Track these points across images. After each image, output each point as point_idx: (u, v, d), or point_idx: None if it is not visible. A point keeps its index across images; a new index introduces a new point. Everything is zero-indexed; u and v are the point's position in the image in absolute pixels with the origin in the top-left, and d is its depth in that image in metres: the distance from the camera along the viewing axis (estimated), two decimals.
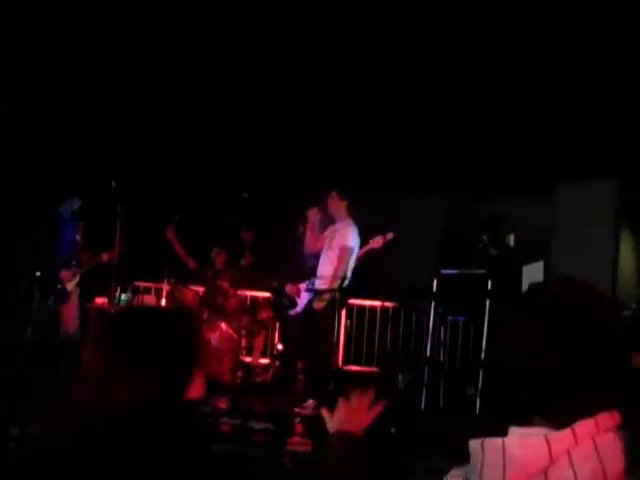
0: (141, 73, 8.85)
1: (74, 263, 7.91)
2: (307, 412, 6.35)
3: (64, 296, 7.84)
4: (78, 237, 8.15)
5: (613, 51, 7.44)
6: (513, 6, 7.44)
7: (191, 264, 8.56)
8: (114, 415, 1.36)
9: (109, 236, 8.07)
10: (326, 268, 6.85)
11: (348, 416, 1.96)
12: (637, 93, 7.44)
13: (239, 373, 8.04)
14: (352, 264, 6.85)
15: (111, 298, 8.40)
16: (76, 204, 8.10)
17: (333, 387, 6.36)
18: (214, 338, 7.80)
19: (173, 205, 8.85)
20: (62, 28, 8.08)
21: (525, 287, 6.96)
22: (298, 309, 7.41)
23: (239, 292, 8.76)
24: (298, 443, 5.02)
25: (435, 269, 7.82)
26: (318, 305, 6.79)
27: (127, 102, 9.02)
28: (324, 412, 2.02)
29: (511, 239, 7.53)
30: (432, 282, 7.55)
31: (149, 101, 9.05)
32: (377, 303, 9.17)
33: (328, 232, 7.07)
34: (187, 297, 8.49)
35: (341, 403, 2.01)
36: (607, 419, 1.30)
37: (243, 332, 8.38)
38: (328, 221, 7.18)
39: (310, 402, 6.54)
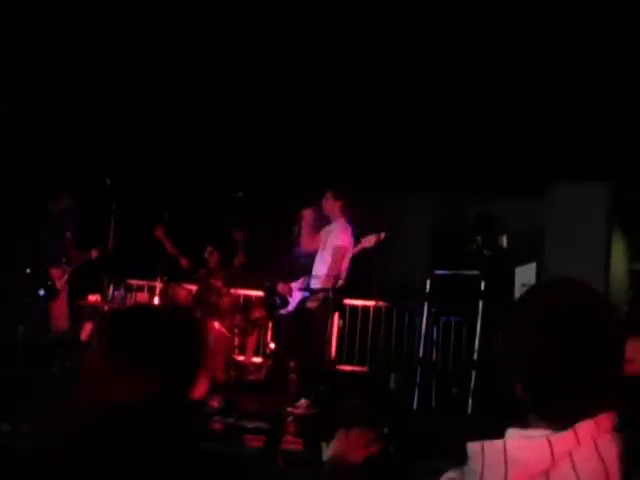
0: (136, 71, 8.84)
1: (64, 260, 7.89)
2: (299, 411, 6.35)
3: (54, 293, 7.81)
4: (68, 234, 8.12)
5: (606, 52, 7.47)
6: (511, 6, 7.45)
7: (183, 263, 8.57)
8: (117, 414, 1.36)
9: (99, 233, 8.07)
10: (320, 268, 6.86)
11: (345, 447, 1.97)
12: (631, 95, 7.48)
13: (232, 372, 8.04)
14: (347, 264, 6.86)
15: (104, 295, 8.40)
16: (65, 201, 8.06)
17: (325, 387, 6.37)
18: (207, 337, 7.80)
19: (167, 203, 8.85)
20: (61, 27, 8.09)
21: (518, 288, 6.99)
22: (290, 308, 7.41)
23: (232, 291, 8.76)
24: (290, 442, 5.03)
25: (428, 269, 7.83)
26: (311, 304, 6.80)
27: (122, 101, 9.00)
28: (322, 443, 2.04)
29: (504, 240, 7.55)
30: (425, 282, 7.56)
31: (144, 99, 9.04)
32: (370, 303, 9.18)
33: (323, 232, 7.09)
34: (180, 295, 8.48)
35: (340, 434, 2.03)
36: (606, 420, 1.31)
37: (236, 331, 8.37)
38: (323, 221, 7.19)
39: (303, 401, 6.55)
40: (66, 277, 7.92)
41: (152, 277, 8.74)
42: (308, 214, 7.28)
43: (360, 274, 7.19)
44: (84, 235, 8.13)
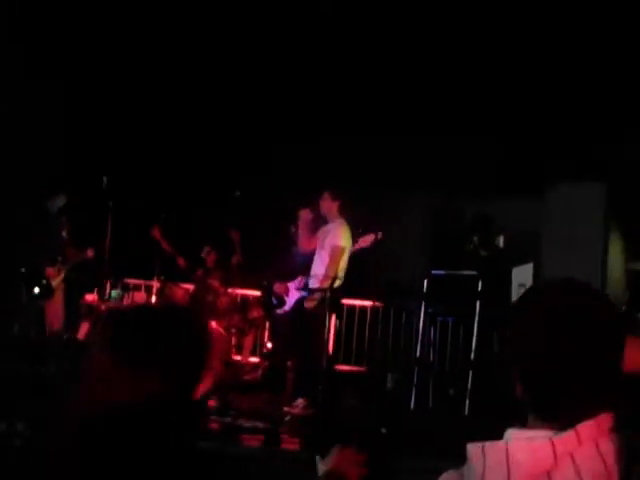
0: (135, 71, 8.84)
1: (60, 259, 7.88)
2: (296, 411, 6.36)
3: (49, 292, 7.80)
4: (64, 233, 8.11)
5: (604, 54, 7.48)
6: (510, 7, 7.46)
7: (181, 263, 8.57)
8: (120, 414, 1.36)
9: (94, 232, 8.06)
10: (319, 268, 6.86)
11: (340, 464, 1.98)
12: (627, 95, 7.49)
13: (229, 371, 8.03)
14: (345, 264, 6.86)
15: (102, 295, 8.40)
16: (62, 200, 8.06)
17: (323, 387, 6.37)
18: None
19: (164, 203, 8.85)
20: (60, 27, 8.09)
21: (515, 288, 7.00)
22: (287, 308, 7.42)
23: (229, 290, 8.76)
24: (287, 442, 5.03)
25: (425, 270, 7.84)
26: (309, 304, 6.81)
27: (120, 100, 9.01)
28: (318, 459, 2.05)
29: (501, 240, 7.56)
30: (422, 282, 7.56)
31: (142, 99, 9.04)
32: (367, 303, 9.19)
33: (320, 232, 7.09)
34: (177, 295, 8.49)
35: (336, 450, 2.04)
36: (606, 420, 1.31)
37: (233, 330, 8.37)
38: (320, 221, 7.20)
39: (300, 401, 6.55)
40: (62, 276, 7.91)
41: (149, 276, 8.74)
42: (305, 214, 7.28)
43: (357, 274, 7.19)
44: (80, 234, 8.12)
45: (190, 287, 8.70)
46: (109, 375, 1.41)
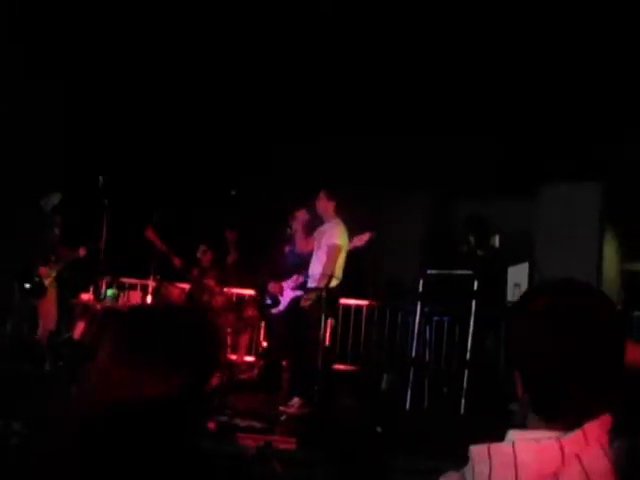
0: (133, 71, 8.84)
1: (53, 258, 7.85)
2: (292, 410, 6.36)
3: (42, 291, 7.77)
4: (57, 232, 8.08)
5: (600, 56, 7.49)
6: (508, 7, 7.47)
7: (176, 262, 8.56)
8: (134, 413, 1.35)
9: (88, 231, 8.05)
10: (316, 267, 6.87)
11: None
12: (623, 96, 7.51)
13: (224, 371, 8.03)
14: (342, 263, 6.87)
15: (97, 294, 8.38)
16: (57, 199, 8.03)
17: (319, 386, 6.37)
18: None
19: (159, 202, 8.85)
20: (59, 27, 8.10)
21: (510, 288, 7.01)
22: (281, 307, 7.42)
23: (225, 290, 8.76)
24: (283, 441, 5.02)
25: (421, 269, 7.85)
26: (305, 303, 6.81)
27: (118, 99, 9.00)
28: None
29: (496, 240, 7.57)
30: (418, 282, 7.57)
31: (141, 98, 9.04)
32: (363, 302, 9.19)
33: (317, 233, 7.10)
34: (173, 294, 8.48)
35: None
36: (607, 420, 1.32)
37: (229, 330, 8.37)
38: (317, 221, 7.20)
39: (295, 400, 6.55)
40: (54, 275, 7.88)
41: (145, 276, 8.73)
42: (302, 215, 7.29)
43: (353, 273, 7.20)
44: (74, 233, 8.10)
45: (186, 286, 8.70)
46: (127, 375, 1.40)
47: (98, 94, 8.86)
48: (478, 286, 7.04)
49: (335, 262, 6.78)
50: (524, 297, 1.49)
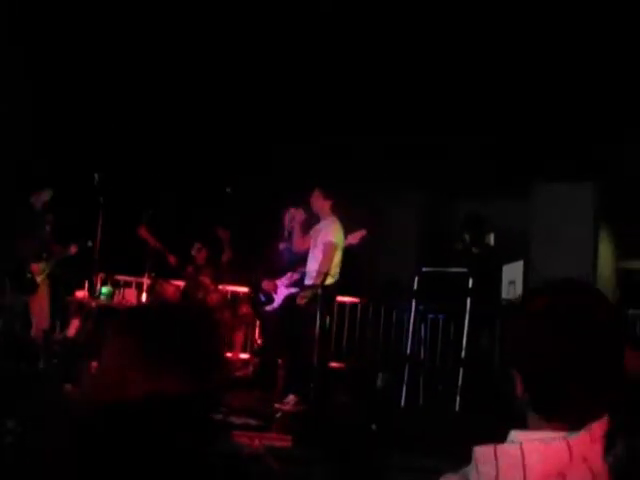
0: (132, 70, 8.83)
1: (44, 255, 7.82)
2: (287, 408, 6.36)
3: (34, 288, 7.74)
4: (48, 229, 8.05)
5: (595, 55, 7.50)
6: (506, 7, 7.47)
7: (171, 260, 8.55)
8: (135, 413, 1.34)
9: (80, 229, 8.02)
10: (313, 265, 6.88)
11: None
12: (618, 96, 7.52)
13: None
14: (338, 261, 6.88)
15: (92, 291, 8.37)
16: (47, 195, 7.99)
17: (314, 384, 6.38)
18: None
19: (154, 200, 8.84)
20: (57, 25, 8.10)
21: (505, 286, 7.02)
22: (275, 305, 7.43)
23: (220, 287, 8.75)
24: (279, 439, 5.02)
25: (416, 267, 7.86)
26: (301, 301, 6.82)
27: (113, 96, 8.99)
28: None
29: (491, 238, 7.58)
30: (413, 280, 7.58)
31: (139, 98, 9.04)
32: (358, 300, 9.19)
33: (313, 231, 7.11)
34: (168, 291, 8.48)
35: None
36: (607, 420, 1.32)
37: (223, 327, 8.37)
38: (312, 220, 7.22)
39: (291, 397, 6.56)
40: (47, 272, 7.84)
41: (140, 273, 8.72)
42: (299, 215, 7.31)
43: (348, 271, 7.20)
44: (65, 230, 8.07)
45: (181, 284, 8.69)
46: (126, 374, 1.38)
47: (95, 91, 8.84)
48: (473, 284, 7.06)
49: (331, 260, 6.79)
50: (525, 297, 1.49)
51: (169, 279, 8.62)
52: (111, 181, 8.20)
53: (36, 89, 8.38)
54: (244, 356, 8.76)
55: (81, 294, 8.47)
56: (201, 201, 9.07)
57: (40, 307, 7.80)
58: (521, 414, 1.39)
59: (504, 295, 7.01)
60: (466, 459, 1.43)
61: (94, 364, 6.49)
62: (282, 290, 7.42)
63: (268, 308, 7.55)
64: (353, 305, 9.23)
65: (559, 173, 7.72)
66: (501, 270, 7.17)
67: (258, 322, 8.69)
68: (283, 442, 4.96)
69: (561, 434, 1.31)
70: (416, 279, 7.55)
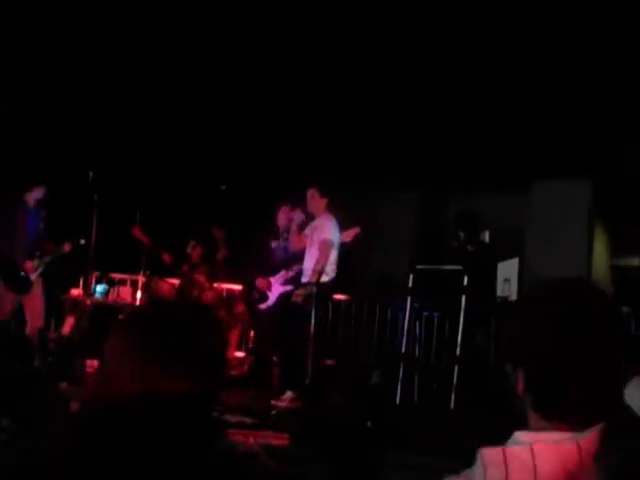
0: (131, 69, 8.83)
1: (38, 253, 7.79)
2: (284, 404, 6.36)
3: (28, 286, 7.71)
4: (41, 226, 8.01)
5: (594, 55, 7.51)
6: (506, 7, 7.48)
7: (166, 258, 8.53)
8: (149, 410, 1.34)
9: (74, 226, 8.00)
10: (310, 263, 6.89)
11: None
12: (614, 95, 7.53)
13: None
14: (334, 258, 6.89)
15: (87, 289, 8.35)
16: (40, 193, 7.96)
17: (310, 381, 6.38)
18: None
19: (149, 198, 8.83)
20: (56, 25, 8.10)
21: (500, 283, 7.03)
22: (270, 302, 7.43)
23: (215, 285, 8.75)
24: (275, 437, 5.02)
25: (411, 264, 7.86)
26: (296, 298, 6.82)
27: (110, 94, 8.98)
28: None
29: (486, 236, 7.58)
30: (408, 277, 7.58)
31: (133, 94, 9.03)
32: (352, 298, 9.18)
33: (308, 230, 7.12)
34: (163, 289, 8.46)
35: None
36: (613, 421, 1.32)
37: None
38: (307, 218, 7.23)
39: (288, 394, 6.55)
40: (40, 270, 7.80)
41: (135, 271, 8.70)
42: (297, 215, 7.33)
43: (343, 269, 7.21)
44: (59, 228, 8.05)
45: (176, 282, 8.68)
46: (129, 373, 1.38)
47: (92, 89, 8.83)
48: (468, 281, 7.06)
49: (327, 257, 6.80)
50: (524, 296, 1.49)
51: (164, 277, 8.61)
52: (106, 179, 8.18)
53: (36, 89, 8.37)
54: (239, 354, 8.75)
55: (76, 292, 8.45)
56: (196, 199, 9.06)
57: (33, 305, 7.77)
58: (521, 412, 1.39)
59: (499, 293, 7.02)
60: (461, 457, 1.43)
61: (89, 362, 6.50)
62: (276, 288, 7.43)
63: (262, 306, 7.56)
64: (347, 303, 9.22)
65: (554, 170, 7.72)
66: (496, 267, 7.17)
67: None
68: (279, 440, 4.96)
69: (568, 434, 1.31)
70: (411, 277, 7.55)
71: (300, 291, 6.84)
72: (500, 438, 1.36)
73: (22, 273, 7.56)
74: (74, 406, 4.46)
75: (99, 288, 8.46)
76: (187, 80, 8.99)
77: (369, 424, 5.24)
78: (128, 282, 9.25)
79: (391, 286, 8.31)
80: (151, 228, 8.48)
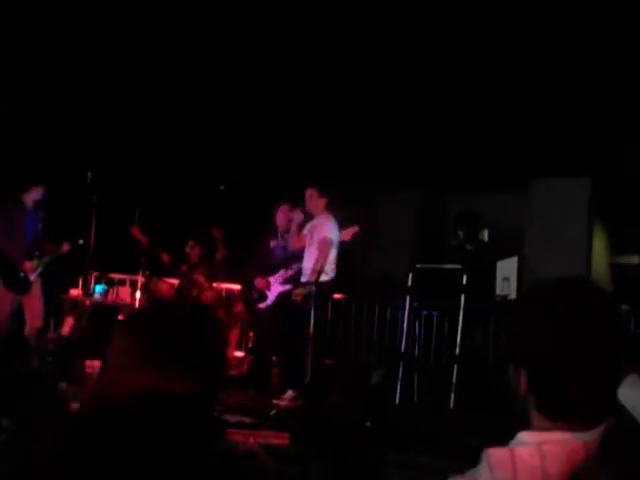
0: (127, 68, 8.82)
1: (37, 253, 7.78)
2: (285, 403, 6.35)
3: (27, 286, 7.71)
4: (40, 226, 8.00)
5: (594, 55, 7.52)
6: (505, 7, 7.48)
7: (165, 258, 8.53)
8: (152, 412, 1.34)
9: (73, 227, 8.00)
10: (309, 262, 6.89)
11: None
12: (614, 95, 7.54)
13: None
14: (334, 257, 6.89)
15: (86, 289, 8.35)
16: (39, 193, 7.95)
17: (310, 380, 6.38)
18: None
19: (148, 198, 8.82)
20: (55, 25, 8.10)
21: (499, 282, 7.03)
22: (269, 302, 7.43)
23: (214, 285, 8.75)
24: (275, 436, 5.01)
25: (410, 264, 7.86)
26: (296, 297, 6.83)
27: (108, 94, 8.98)
28: None
29: (485, 235, 7.58)
30: (407, 276, 7.58)
31: (133, 94, 9.02)
32: (352, 297, 9.18)
33: (308, 228, 7.13)
34: (162, 289, 8.46)
35: None
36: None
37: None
38: (306, 218, 7.24)
39: (289, 393, 6.55)
40: (39, 270, 7.79)
41: (134, 271, 8.70)
42: (297, 215, 7.34)
43: (342, 268, 7.21)
44: (58, 228, 8.04)
45: (175, 282, 8.68)
46: (131, 374, 1.37)
47: (91, 89, 8.83)
48: (467, 280, 7.06)
49: (327, 256, 6.80)
50: (524, 296, 1.49)
51: (163, 277, 8.61)
52: (104, 179, 8.18)
53: (36, 89, 8.38)
54: (239, 354, 8.75)
55: (75, 292, 8.45)
56: (195, 199, 9.06)
57: (32, 305, 7.76)
58: (524, 412, 1.38)
59: (498, 291, 7.02)
60: (460, 456, 1.43)
61: (88, 362, 6.50)
62: (275, 287, 7.43)
63: (261, 306, 7.55)
64: (347, 302, 9.22)
65: (554, 169, 7.72)
66: (495, 266, 7.17)
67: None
68: (280, 439, 4.96)
69: (572, 434, 1.31)
70: (410, 276, 7.55)
71: (299, 290, 6.84)
72: (500, 437, 1.36)
73: (21, 273, 7.55)
74: (74, 406, 4.45)
75: (98, 288, 8.46)
76: (186, 80, 8.99)
77: (369, 424, 5.24)
78: (127, 282, 9.25)
79: (391, 286, 8.31)
80: (150, 228, 8.47)
